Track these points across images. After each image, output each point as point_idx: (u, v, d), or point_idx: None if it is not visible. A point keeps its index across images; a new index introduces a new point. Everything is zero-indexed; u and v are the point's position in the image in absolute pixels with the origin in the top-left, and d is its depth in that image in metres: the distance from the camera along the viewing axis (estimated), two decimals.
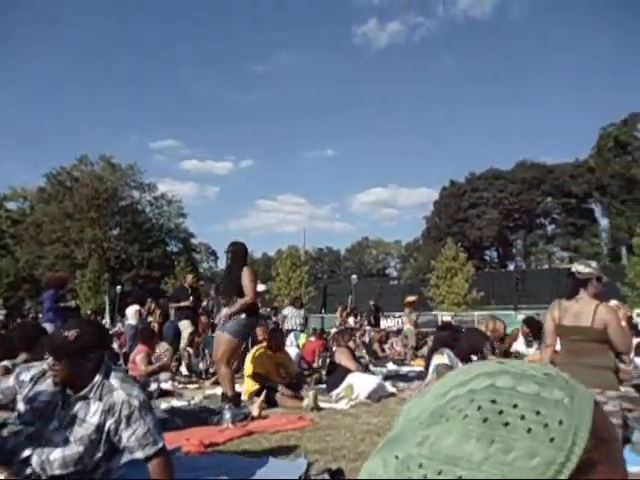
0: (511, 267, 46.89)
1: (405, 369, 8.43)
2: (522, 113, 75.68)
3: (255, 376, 5.22)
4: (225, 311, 4.61)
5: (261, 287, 8.85)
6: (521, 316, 19.05)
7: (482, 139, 79.41)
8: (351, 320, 12.05)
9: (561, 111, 73.32)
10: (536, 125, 78.14)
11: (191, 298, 8.18)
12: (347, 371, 5.59)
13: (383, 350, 10.14)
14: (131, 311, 10.02)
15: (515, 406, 0.33)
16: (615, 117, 44.85)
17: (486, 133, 78.22)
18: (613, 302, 10.61)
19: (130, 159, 45.70)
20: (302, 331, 8.82)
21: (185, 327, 7.78)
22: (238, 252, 4.82)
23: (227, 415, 4.21)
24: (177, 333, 7.93)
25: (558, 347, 3.52)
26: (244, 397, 5.11)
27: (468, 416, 0.33)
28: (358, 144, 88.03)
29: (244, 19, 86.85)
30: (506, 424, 0.32)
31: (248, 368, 5.34)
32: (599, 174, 43.66)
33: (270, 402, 4.95)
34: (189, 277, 9.17)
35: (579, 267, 3.38)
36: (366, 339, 10.93)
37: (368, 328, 12.22)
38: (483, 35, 75.83)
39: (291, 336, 6.84)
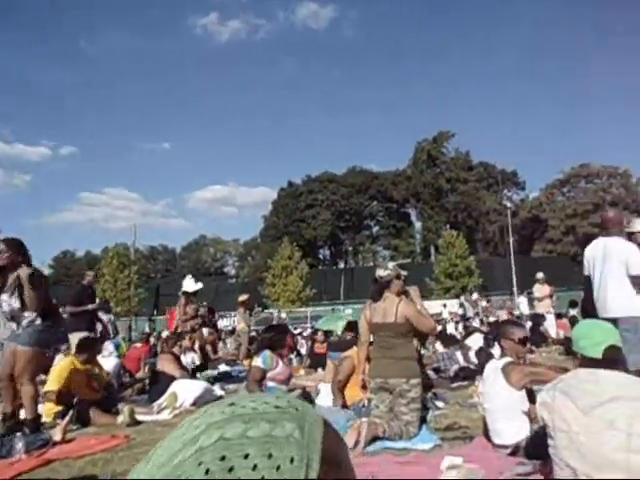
0: (342, 265, 50.59)
1: (237, 369, 8.34)
2: (354, 121, 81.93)
3: (60, 394, 4.57)
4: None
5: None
6: (349, 311, 20.64)
7: (319, 143, 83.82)
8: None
9: (384, 123, 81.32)
10: (366, 134, 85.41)
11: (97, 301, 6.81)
12: (171, 379, 5.26)
13: (216, 352, 9.90)
14: None
15: (246, 456, 0.32)
16: (429, 133, 51.50)
17: (323, 137, 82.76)
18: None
19: None
20: (113, 338, 7.98)
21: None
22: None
23: (19, 444, 3.58)
24: None
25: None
26: (45, 419, 4.43)
27: None
28: (197, 139, 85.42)
29: None
30: None
31: (51, 384, 4.65)
32: (415, 182, 49.65)
33: (82, 422, 4.39)
34: (89, 274, 7.68)
35: (379, 272, 3.70)
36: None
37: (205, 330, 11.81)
38: (320, 44, 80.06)
39: (109, 345, 6.21)
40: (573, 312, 11.27)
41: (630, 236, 5.10)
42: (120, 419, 4.38)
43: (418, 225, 53.14)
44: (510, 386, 2.83)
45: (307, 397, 4.37)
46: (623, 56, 70.76)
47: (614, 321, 4.11)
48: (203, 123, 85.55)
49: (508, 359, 2.97)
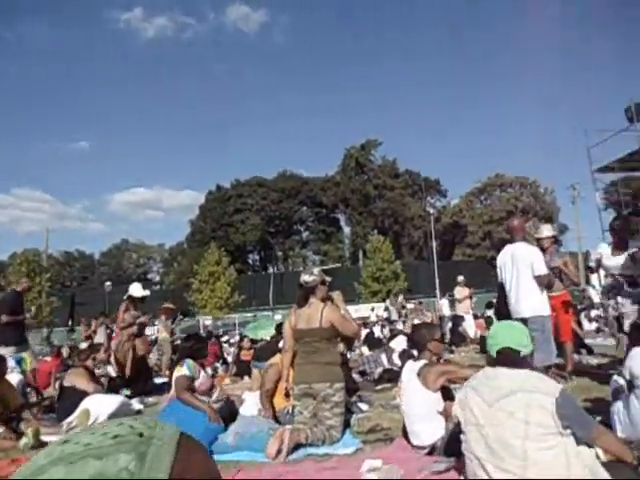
0: (271, 270, 50.28)
1: (159, 381, 7.96)
2: (284, 126, 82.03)
3: None
4: None
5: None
6: (278, 316, 20.52)
7: (249, 147, 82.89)
8: (101, 334, 10.77)
9: (314, 129, 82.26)
10: (296, 139, 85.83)
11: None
12: (83, 394, 4.89)
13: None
14: None
15: None
16: (357, 140, 52.76)
17: (252, 142, 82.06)
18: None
19: None
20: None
21: None
22: None
23: None
24: None
25: None
26: None
27: None
28: (120, 139, 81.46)
29: None
30: None
31: None
32: (343, 189, 50.60)
33: None
34: (24, 281, 6.89)
35: (305, 277, 3.69)
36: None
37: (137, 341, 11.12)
38: (251, 48, 79.45)
39: (11, 360, 5.63)
40: (489, 313, 11.96)
41: (538, 241, 5.55)
42: (23, 441, 4.00)
43: (347, 230, 54.23)
44: (426, 388, 2.91)
45: (231, 407, 4.25)
46: (536, 74, 76.98)
47: (524, 321, 4.40)
48: (126, 122, 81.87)
49: (424, 361, 3.05)
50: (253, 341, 8.40)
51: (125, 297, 7.34)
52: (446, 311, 15.25)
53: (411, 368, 3.14)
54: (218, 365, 8.59)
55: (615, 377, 3.31)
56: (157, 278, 60.65)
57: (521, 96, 77.37)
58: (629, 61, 69.85)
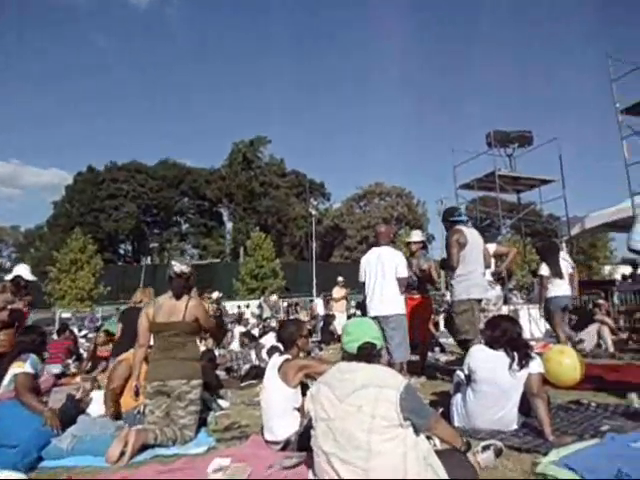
0: (145, 262, 47.30)
1: None
2: (170, 110, 78.00)
3: None
4: None
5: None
6: None
7: (129, 128, 77.30)
8: None
9: (202, 117, 79.43)
10: (183, 126, 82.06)
11: None
12: None
13: None
14: None
15: None
16: (247, 135, 52.08)
17: (133, 122, 76.54)
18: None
19: None
20: None
21: None
22: None
23: None
24: None
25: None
26: None
27: None
28: None
29: None
30: None
31: None
32: (229, 183, 49.61)
33: None
34: None
35: (182, 267, 3.45)
36: None
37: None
38: (140, 23, 74.18)
39: None
40: (358, 312, 12.56)
41: (408, 244, 5.91)
42: None
43: (229, 226, 53.23)
44: (285, 383, 2.88)
45: (77, 407, 3.82)
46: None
47: (384, 318, 4.63)
48: None
49: (286, 356, 3.03)
50: (113, 336, 7.72)
51: (7, 277, 6.20)
52: (320, 310, 15.71)
53: (273, 363, 3.09)
54: (70, 362, 7.75)
55: (457, 372, 3.60)
56: (8, 264, 53.55)
57: (402, 113, 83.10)
58: (495, 92, 78.93)
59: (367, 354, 2.12)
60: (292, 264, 39.03)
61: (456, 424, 3.21)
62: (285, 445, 2.82)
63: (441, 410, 3.58)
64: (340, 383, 2.04)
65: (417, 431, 2.02)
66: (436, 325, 9.97)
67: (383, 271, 4.68)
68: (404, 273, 4.71)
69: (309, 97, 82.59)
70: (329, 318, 11.83)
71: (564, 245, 12.41)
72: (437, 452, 2.16)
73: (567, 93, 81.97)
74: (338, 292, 12.16)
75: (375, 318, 4.48)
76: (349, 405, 1.96)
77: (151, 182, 49.19)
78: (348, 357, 2.15)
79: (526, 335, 8.92)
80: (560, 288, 6.20)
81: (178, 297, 3.39)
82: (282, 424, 2.84)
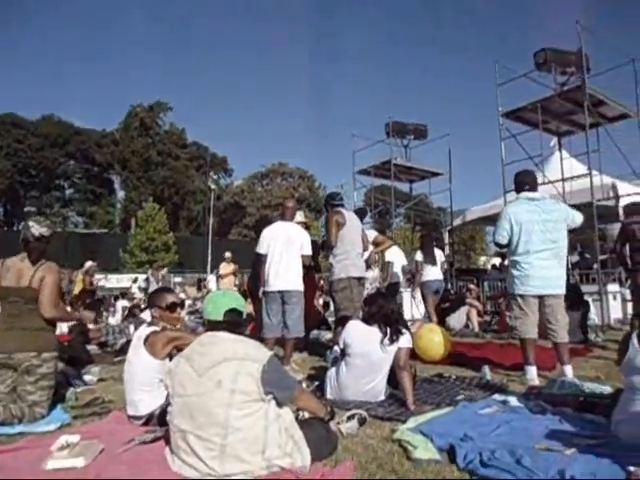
0: (19, 227, 42.51)
1: None
2: (62, 63, 70.09)
3: None
4: None
5: None
6: None
7: (5, 78, 68.08)
8: None
9: (95, 72, 72.60)
10: (70, 80, 74.23)
11: None
12: None
13: None
14: None
15: None
16: (146, 99, 48.59)
17: (15, 74, 67.65)
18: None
19: None
20: None
21: None
22: None
23: None
24: None
25: None
26: None
27: None
28: None
29: None
30: None
31: None
32: (123, 148, 46.11)
33: None
34: None
35: (42, 230, 3.08)
36: None
37: None
38: None
39: None
40: None
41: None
42: None
43: (121, 194, 49.67)
44: (152, 356, 2.71)
45: None
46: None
47: (287, 293, 4.54)
48: None
49: (154, 328, 2.85)
50: None
51: None
52: (212, 286, 15.34)
53: (139, 335, 2.89)
54: None
55: (335, 347, 3.67)
56: None
57: (308, 95, 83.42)
58: (399, 83, 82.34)
59: (233, 321, 2.04)
60: (187, 239, 37.61)
61: (328, 396, 3.28)
62: (148, 420, 2.67)
63: (316, 384, 3.65)
64: (200, 357, 1.94)
65: (280, 404, 2.01)
66: (327, 305, 10.21)
67: (289, 246, 4.58)
68: (309, 251, 4.68)
69: (218, 70, 79.38)
70: None
71: (447, 235, 13.42)
72: (300, 422, 2.17)
73: (463, 92, 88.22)
74: (225, 268, 11.90)
75: (279, 292, 4.44)
76: (208, 380, 1.87)
77: (31, 139, 43.96)
78: (212, 326, 2.05)
79: (407, 316, 9.53)
80: (432, 273, 6.80)
81: (34, 262, 3.02)
82: (145, 398, 2.68)
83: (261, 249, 4.64)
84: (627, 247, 5.31)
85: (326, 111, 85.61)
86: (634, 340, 2.28)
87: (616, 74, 9.54)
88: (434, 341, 4.79)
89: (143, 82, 74.18)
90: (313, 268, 5.51)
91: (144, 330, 2.86)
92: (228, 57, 78.52)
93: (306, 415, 2.39)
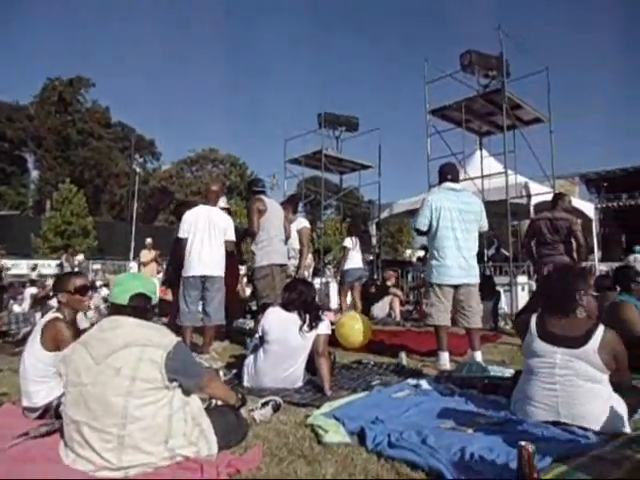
0: None
1: None
2: None
3: None
4: None
5: None
6: None
7: None
8: None
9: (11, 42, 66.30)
10: None
11: None
12: None
13: None
14: None
15: None
16: (66, 72, 45.14)
17: None
18: None
19: None
20: None
21: None
22: None
23: None
24: None
25: None
26: None
27: None
28: None
29: None
30: None
31: None
32: (38, 125, 42.63)
33: None
34: None
35: None
36: None
37: None
38: None
39: None
40: None
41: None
42: None
43: (35, 174, 45.95)
44: (42, 346, 2.49)
45: None
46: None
47: (210, 279, 4.36)
48: None
49: (55, 315, 2.63)
50: None
51: None
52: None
53: (41, 322, 2.66)
54: None
55: (256, 335, 3.62)
56: None
57: (239, 82, 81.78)
58: (324, 75, 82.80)
59: (140, 307, 1.92)
60: (109, 224, 35.60)
61: (245, 384, 3.23)
62: (44, 412, 2.47)
63: (234, 372, 3.58)
64: (99, 343, 1.80)
65: (187, 391, 1.92)
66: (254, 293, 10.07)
67: (212, 231, 4.40)
68: (232, 236, 4.54)
69: (148, 50, 75.37)
70: None
71: (374, 227, 13.74)
72: (210, 410, 2.10)
73: (395, 88, 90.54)
74: (146, 255, 11.37)
75: (200, 278, 4.27)
76: (107, 367, 1.74)
77: None
78: (116, 310, 1.92)
79: (334, 305, 9.67)
80: (355, 261, 6.95)
81: None
82: (41, 389, 2.47)
83: (182, 233, 4.45)
84: (534, 242, 5.70)
85: (259, 98, 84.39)
86: (532, 325, 2.43)
87: (532, 81, 10.19)
88: (355, 328, 4.87)
89: (63, 54, 68.92)
90: (235, 255, 5.39)
91: (47, 317, 2.63)
92: (157, 36, 74.82)
93: (219, 404, 2.32)
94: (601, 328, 2.27)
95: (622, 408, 2.26)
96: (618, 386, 2.31)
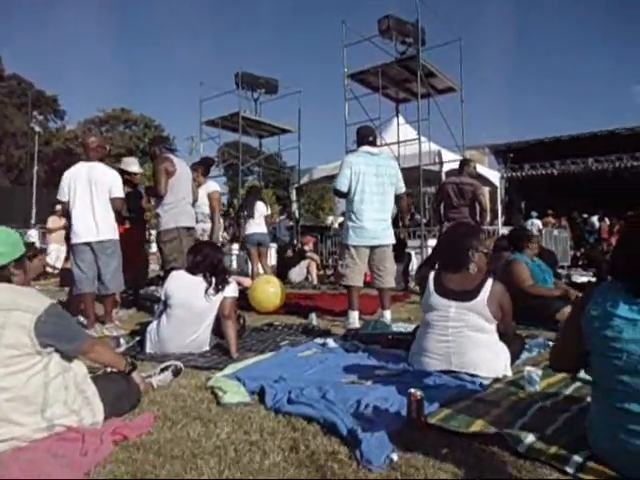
0: None
1: None
2: None
3: None
4: None
5: None
6: None
7: None
8: None
9: None
10: None
11: None
12: None
13: None
14: None
15: None
16: None
17: None
18: None
19: None
20: None
21: None
22: None
23: None
24: None
25: None
26: None
27: None
28: None
29: None
30: None
31: None
32: None
33: None
34: None
35: None
36: None
37: None
38: None
39: None
40: None
41: (123, 172, 5.12)
42: None
43: None
44: None
45: None
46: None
47: (99, 244, 3.99)
48: None
49: None
50: None
51: None
52: (35, 241, 13.55)
53: None
54: None
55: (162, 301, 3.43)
56: None
57: (155, 37, 76.53)
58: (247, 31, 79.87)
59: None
60: (5, 189, 32.35)
61: (148, 351, 3.08)
62: None
63: (137, 339, 3.40)
64: None
65: (68, 357, 1.77)
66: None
67: (95, 190, 3.98)
68: (119, 193, 4.12)
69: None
70: (42, 250, 10.24)
71: (294, 193, 13.66)
72: (97, 377, 1.96)
73: (315, 50, 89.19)
74: (55, 222, 10.55)
75: (87, 244, 3.91)
76: None
77: None
78: None
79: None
80: (254, 227, 6.86)
81: None
82: None
83: (61, 195, 4.02)
84: (442, 205, 5.96)
85: (173, 56, 79.51)
86: (430, 282, 2.52)
87: (446, 49, 10.46)
88: (268, 292, 4.84)
89: None
90: (135, 217, 5.03)
91: None
92: None
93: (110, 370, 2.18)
94: (489, 281, 2.41)
95: (506, 355, 2.44)
96: (503, 334, 2.49)
